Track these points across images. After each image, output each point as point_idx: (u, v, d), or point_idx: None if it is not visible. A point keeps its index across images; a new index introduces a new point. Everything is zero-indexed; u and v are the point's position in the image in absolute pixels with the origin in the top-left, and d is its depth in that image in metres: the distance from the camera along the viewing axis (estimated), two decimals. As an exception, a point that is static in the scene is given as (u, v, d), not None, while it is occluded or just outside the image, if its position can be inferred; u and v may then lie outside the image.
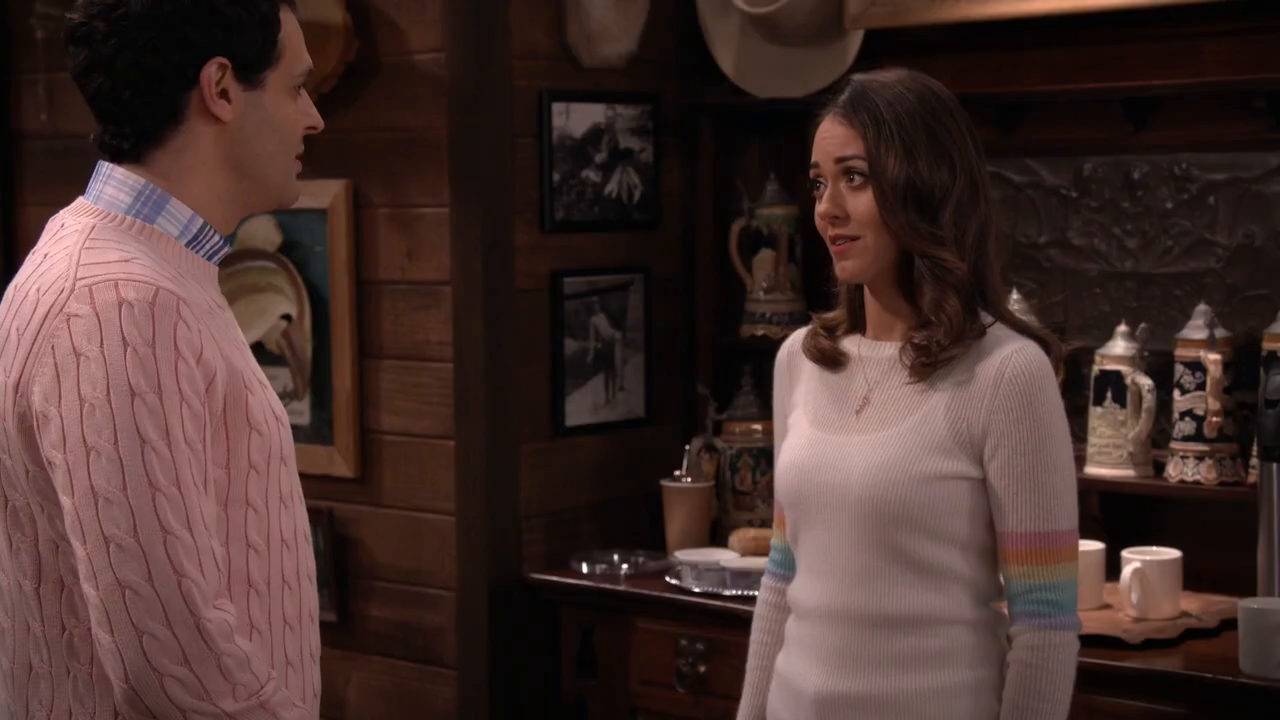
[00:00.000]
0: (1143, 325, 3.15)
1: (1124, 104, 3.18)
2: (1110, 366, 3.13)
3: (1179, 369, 3.06)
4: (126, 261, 1.69)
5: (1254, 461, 3.00)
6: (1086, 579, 3.00)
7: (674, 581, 3.33)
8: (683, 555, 3.38)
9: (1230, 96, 3.10)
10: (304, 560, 1.82)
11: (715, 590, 3.27)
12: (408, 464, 3.48)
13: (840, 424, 2.17)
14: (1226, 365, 3.02)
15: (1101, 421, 3.14)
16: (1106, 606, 3.00)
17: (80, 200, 1.80)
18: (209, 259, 1.81)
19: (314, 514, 3.56)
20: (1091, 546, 3.03)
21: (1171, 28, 3.13)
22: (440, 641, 3.46)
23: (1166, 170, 3.21)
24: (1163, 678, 2.77)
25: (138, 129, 1.76)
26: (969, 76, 3.38)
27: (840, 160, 2.13)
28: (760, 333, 3.58)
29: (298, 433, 3.57)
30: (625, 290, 3.66)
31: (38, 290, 1.70)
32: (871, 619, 2.12)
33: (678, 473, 3.55)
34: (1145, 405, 3.08)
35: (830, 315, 2.26)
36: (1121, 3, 3.12)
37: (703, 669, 3.24)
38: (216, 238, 1.81)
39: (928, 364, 2.11)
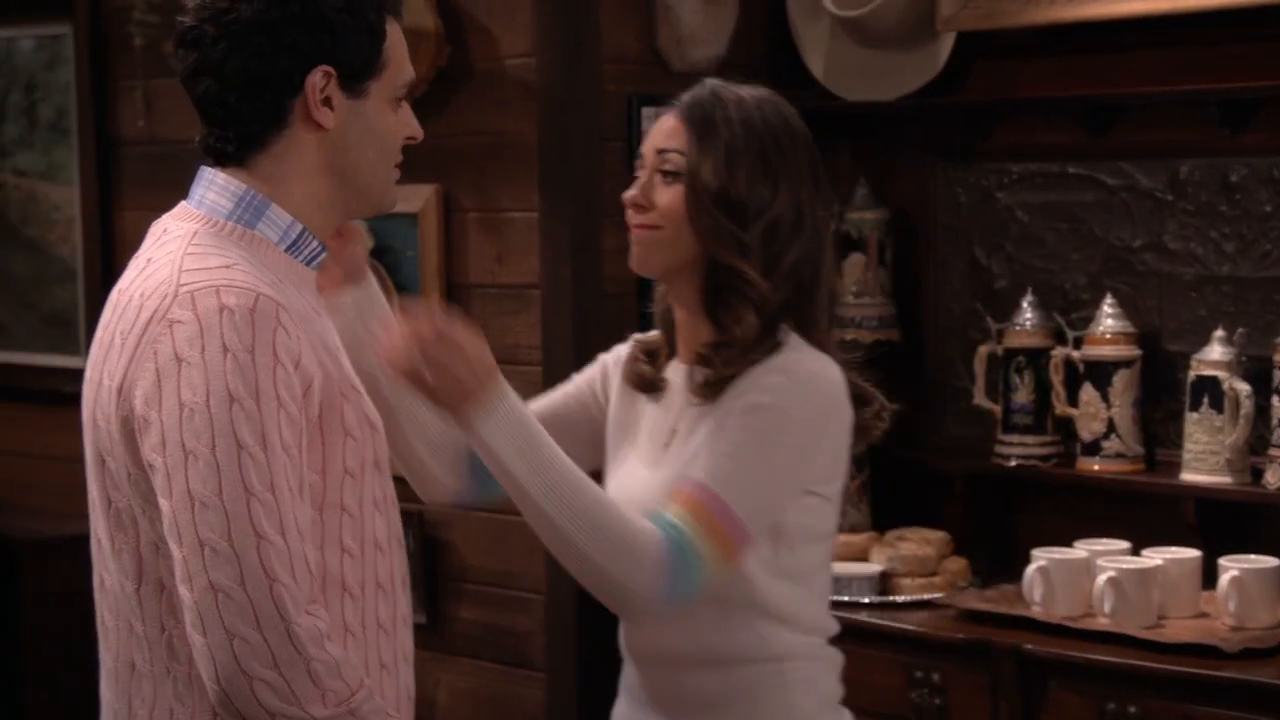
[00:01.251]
0: (1240, 330, 3.10)
1: (1220, 106, 3.14)
2: (1207, 372, 3.09)
3: (1277, 374, 3.01)
4: (228, 268, 1.71)
5: (1355, 469, 2.95)
6: (1183, 587, 2.97)
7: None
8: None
9: (1331, 97, 3.05)
10: (397, 564, 1.82)
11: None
12: (497, 467, 3.49)
13: (650, 456, 2.07)
14: (1327, 371, 2.97)
15: (1198, 428, 3.10)
16: (1203, 615, 2.96)
17: (182, 205, 1.82)
18: (307, 264, 1.82)
19: (404, 516, 3.58)
20: (1188, 554, 2.99)
21: (1269, 29, 3.09)
22: (529, 644, 3.47)
23: (1265, 173, 3.16)
24: (1261, 688, 2.72)
25: (242, 133, 1.78)
26: (1062, 79, 3.34)
27: (660, 152, 2.04)
28: (850, 337, 3.56)
29: (388, 435, 3.60)
30: (714, 294, 3.65)
31: (141, 295, 1.72)
32: (685, 660, 2.03)
33: (766, 477, 3.53)
34: (1243, 411, 3.03)
35: (649, 338, 2.16)
36: (1218, 3, 3.07)
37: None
38: (315, 243, 1.82)
39: (711, 383, 1.99)
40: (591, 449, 2.17)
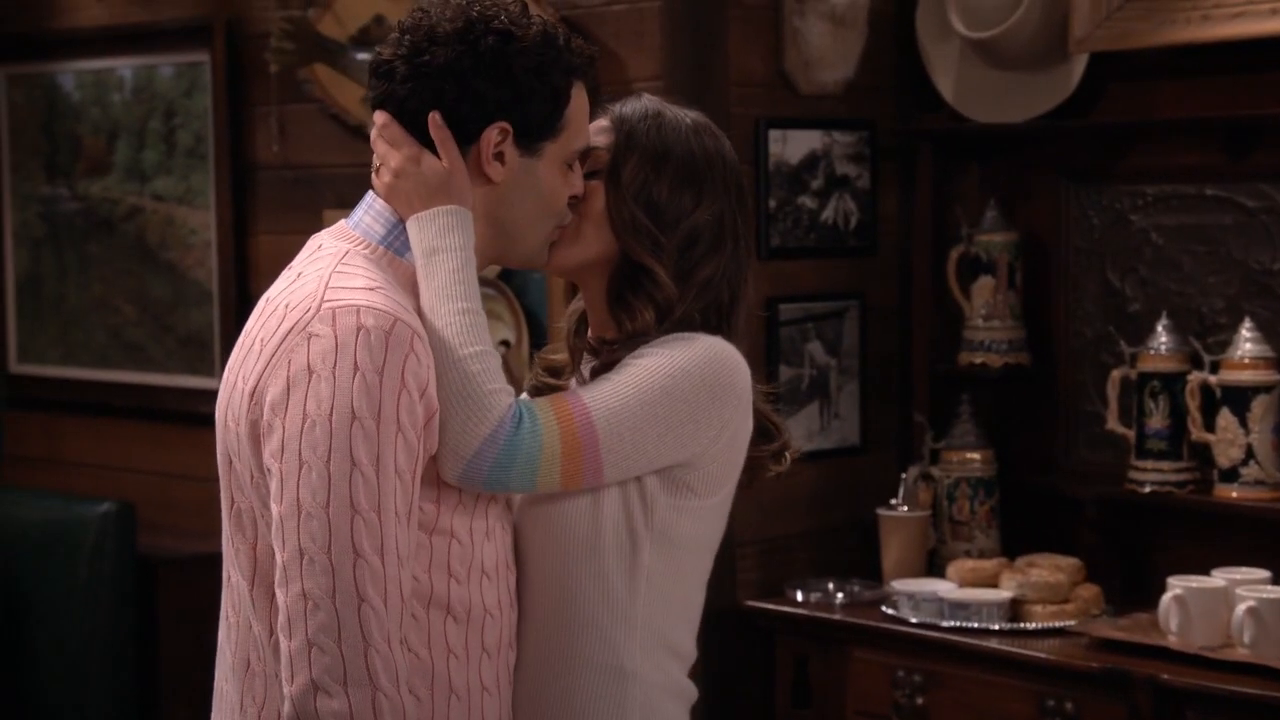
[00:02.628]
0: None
1: (1362, 125, 3.07)
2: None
3: None
4: (372, 290, 1.74)
5: None
6: None
7: (890, 611, 3.30)
8: (899, 585, 3.34)
9: None
10: (504, 590, 1.84)
11: (933, 621, 3.23)
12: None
13: None
14: None
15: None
16: None
17: (341, 224, 1.87)
18: None
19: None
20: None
21: None
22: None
23: None
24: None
25: None
26: (1198, 99, 3.29)
27: (589, 150, 1.95)
28: (979, 361, 3.53)
29: (516, 457, 3.62)
30: (841, 317, 3.64)
31: (286, 306, 1.76)
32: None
33: (894, 501, 3.51)
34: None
35: (551, 358, 2.09)
36: (1361, 21, 3.01)
37: (920, 701, 3.19)
38: None
39: (597, 370, 1.91)
40: None
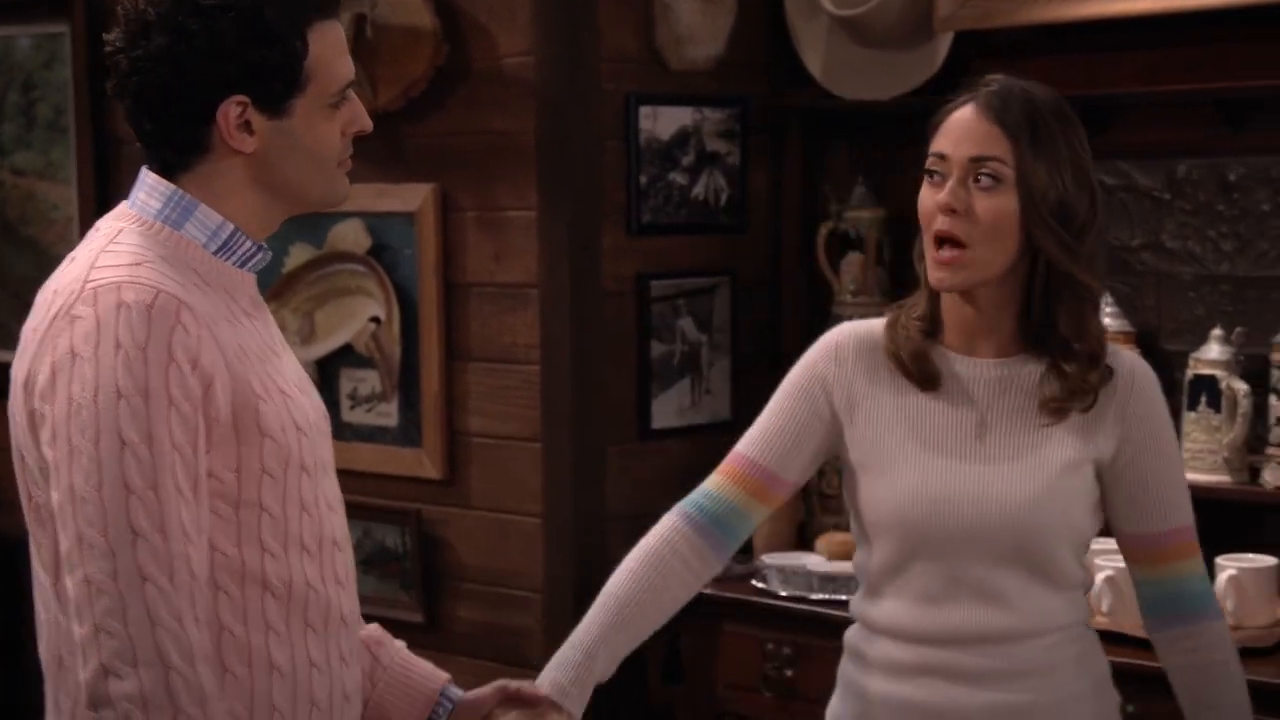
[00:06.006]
0: (1238, 329, 3.11)
1: (1219, 105, 3.14)
2: (1205, 371, 3.09)
3: (1275, 373, 3.01)
4: (136, 265, 1.72)
5: (1353, 468, 2.95)
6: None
7: (760, 585, 3.33)
8: (769, 559, 3.37)
9: (1329, 97, 3.05)
10: (328, 566, 1.82)
11: (802, 594, 3.26)
12: (495, 466, 3.50)
13: (962, 450, 2.08)
14: (1325, 370, 2.97)
15: (1196, 427, 3.10)
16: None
17: (122, 205, 1.84)
18: (241, 266, 1.82)
19: (401, 515, 3.60)
20: (1185, 553, 2.99)
21: (1268, 27, 3.09)
22: (527, 643, 3.46)
23: (1263, 172, 3.17)
24: (1259, 687, 2.71)
25: (163, 156, 1.79)
26: (1060, 78, 3.32)
27: (978, 160, 2.02)
28: (848, 336, 3.56)
29: (385, 434, 3.60)
30: (711, 293, 3.65)
31: (54, 292, 1.74)
32: (1021, 635, 2.07)
33: (764, 476, 3.53)
34: (1241, 410, 3.03)
35: (918, 310, 2.13)
36: (1217, 2, 3.07)
37: (790, 673, 3.22)
38: (249, 244, 1.82)
39: (1075, 408, 2.05)
40: (816, 452, 2.19)
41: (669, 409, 3.58)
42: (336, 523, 1.85)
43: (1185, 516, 2.11)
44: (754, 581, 3.34)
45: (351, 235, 3.62)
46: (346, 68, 1.81)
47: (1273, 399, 3.02)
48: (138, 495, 1.64)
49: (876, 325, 2.17)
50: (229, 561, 1.73)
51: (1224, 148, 3.18)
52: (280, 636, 1.77)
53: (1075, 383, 2.05)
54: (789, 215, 3.71)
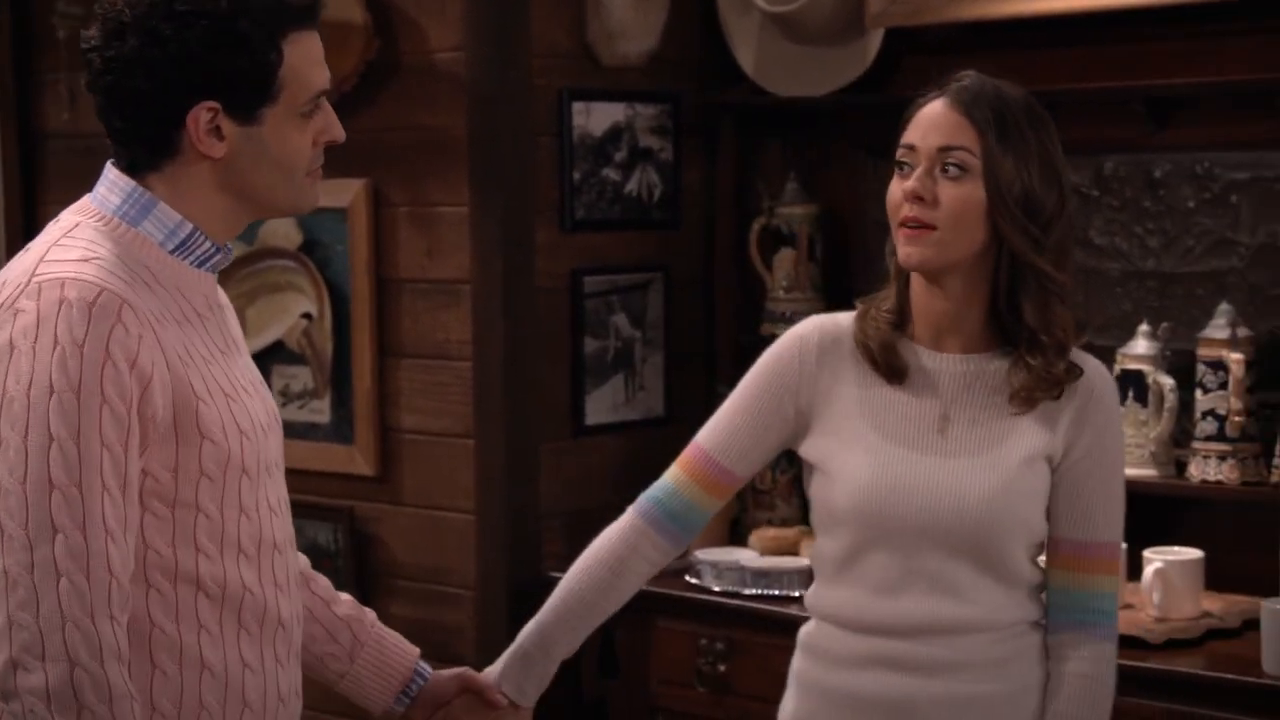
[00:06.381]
0: (1165, 324, 3.14)
1: (1145, 103, 3.17)
2: (1132, 366, 3.12)
3: (1201, 368, 3.05)
4: (84, 261, 1.71)
5: (1276, 461, 2.99)
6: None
7: (694, 581, 3.33)
8: (702, 554, 3.38)
9: (1252, 95, 3.09)
10: (267, 569, 1.82)
11: (735, 589, 3.27)
12: (428, 463, 3.49)
13: (922, 443, 2.10)
14: (1249, 365, 3.00)
15: (1123, 421, 3.13)
16: (1128, 606, 2.99)
17: (84, 198, 1.83)
18: (199, 266, 1.81)
19: (334, 512, 3.58)
20: (1113, 546, 3.02)
21: (1193, 26, 3.12)
22: (460, 640, 3.46)
23: (1188, 169, 3.20)
24: (1184, 678, 2.76)
25: (132, 155, 1.79)
26: (989, 75, 3.36)
27: (945, 149, 2.04)
28: (781, 331, 3.56)
29: (317, 431, 3.58)
30: (645, 289, 3.65)
31: (3, 284, 1.73)
32: (971, 629, 2.08)
33: (697, 472, 3.54)
34: (1167, 405, 3.07)
35: (888, 306, 2.14)
36: (1143, 1, 3.10)
37: (723, 668, 3.23)
38: (207, 245, 1.81)
39: (1043, 398, 2.07)
40: (775, 451, 2.22)
41: (602, 405, 3.58)
42: (279, 525, 1.84)
43: (1112, 534, 2.12)
44: (688, 577, 3.35)
45: (282, 231, 3.60)
46: (321, 78, 1.81)
47: (1198, 394, 3.05)
48: (60, 490, 1.64)
49: (843, 319, 2.19)
50: (162, 560, 1.73)
51: (1150, 144, 3.22)
52: (212, 636, 1.76)
53: (1041, 373, 2.07)
54: (722, 211, 3.72)
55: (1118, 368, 3.14)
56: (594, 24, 3.51)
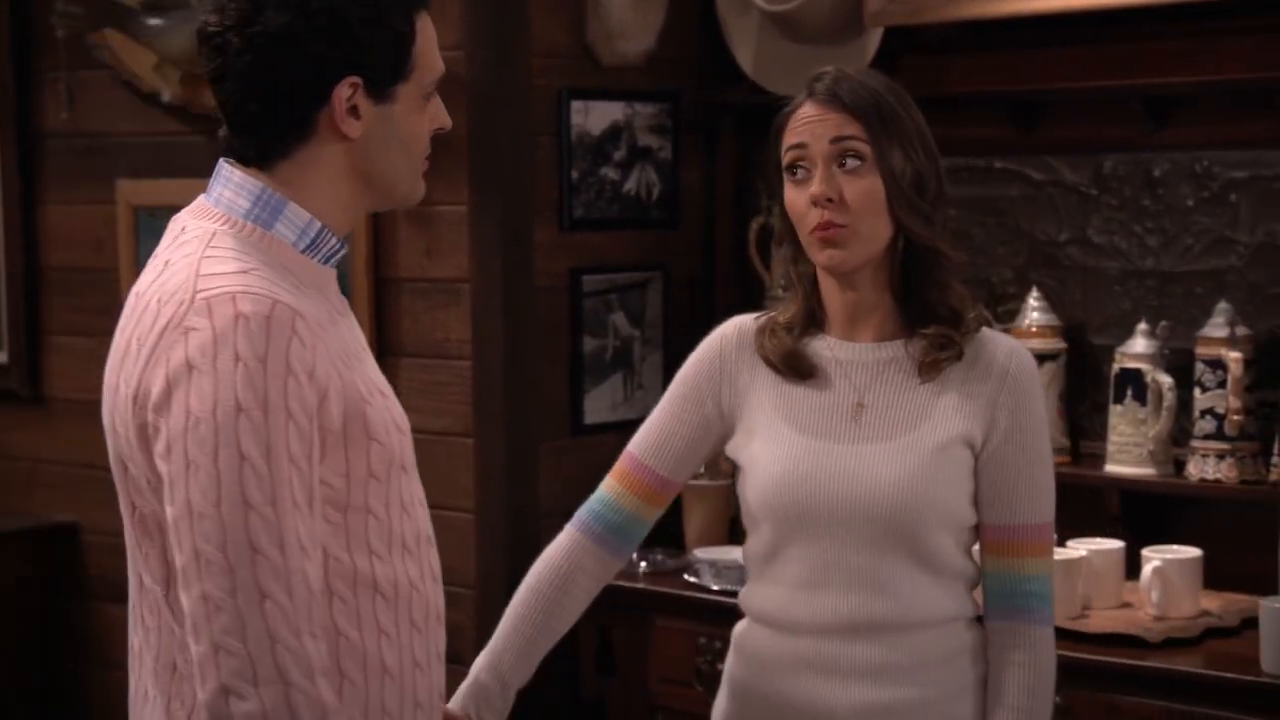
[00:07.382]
0: (1163, 323, 3.14)
1: (1144, 102, 3.18)
2: (1130, 365, 3.12)
3: (1200, 367, 3.05)
4: (245, 273, 1.68)
5: (1275, 460, 2.99)
6: (1107, 577, 3.00)
7: (692, 579, 3.33)
8: (701, 553, 3.38)
9: (1251, 94, 3.09)
10: (425, 563, 1.81)
11: (734, 588, 3.26)
12: (427, 462, 3.45)
13: (836, 432, 2.09)
14: (1248, 363, 3.01)
15: (1122, 420, 3.13)
16: (1127, 605, 2.99)
17: (200, 200, 1.79)
18: (325, 262, 1.79)
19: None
20: (1111, 545, 3.02)
21: (1192, 24, 3.12)
22: (459, 639, 3.45)
23: (1187, 168, 3.20)
24: (1183, 677, 2.76)
25: (263, 142, 1.75)
26: (989, 74, 3.37)
27: (837, 141, 2.04)
28: (779, 331, 3.58)
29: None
30: (644, 288, 3.66)
31: (158, 301, 1.69)
32: (900, 626, 2.06)
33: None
34: (1166, 403, 3.07)
35: (788, 315, 2.16)
36: (1141, 0, 3.11)
37: (721, 667, 3.23)
38: (334, 241, 1.79)
39: (945, 359, 2.06)
40: (708, 453, 2.22)
41: (601, 404, 3.59)
42: (425, 520, 1.83)
43: (1040, 515, 2.09)
44: (686, 575, 3.35)
45: (281, 230, 3.59)
46: (440, 61, 1.81)
47: (1197, 392, 3.06)
48: (256, 511, 1.61)
49: (763, 316, 2.20)
50: (341, 567, 1.71)
51: (1149, 143, 3.22)
52: (390, 639, 1.74)
53: (937, 338, 2.07)
54: (721, 210, 3.72)
55: (1116, 366, 3.15)
56: (593, 23, 3.51)
